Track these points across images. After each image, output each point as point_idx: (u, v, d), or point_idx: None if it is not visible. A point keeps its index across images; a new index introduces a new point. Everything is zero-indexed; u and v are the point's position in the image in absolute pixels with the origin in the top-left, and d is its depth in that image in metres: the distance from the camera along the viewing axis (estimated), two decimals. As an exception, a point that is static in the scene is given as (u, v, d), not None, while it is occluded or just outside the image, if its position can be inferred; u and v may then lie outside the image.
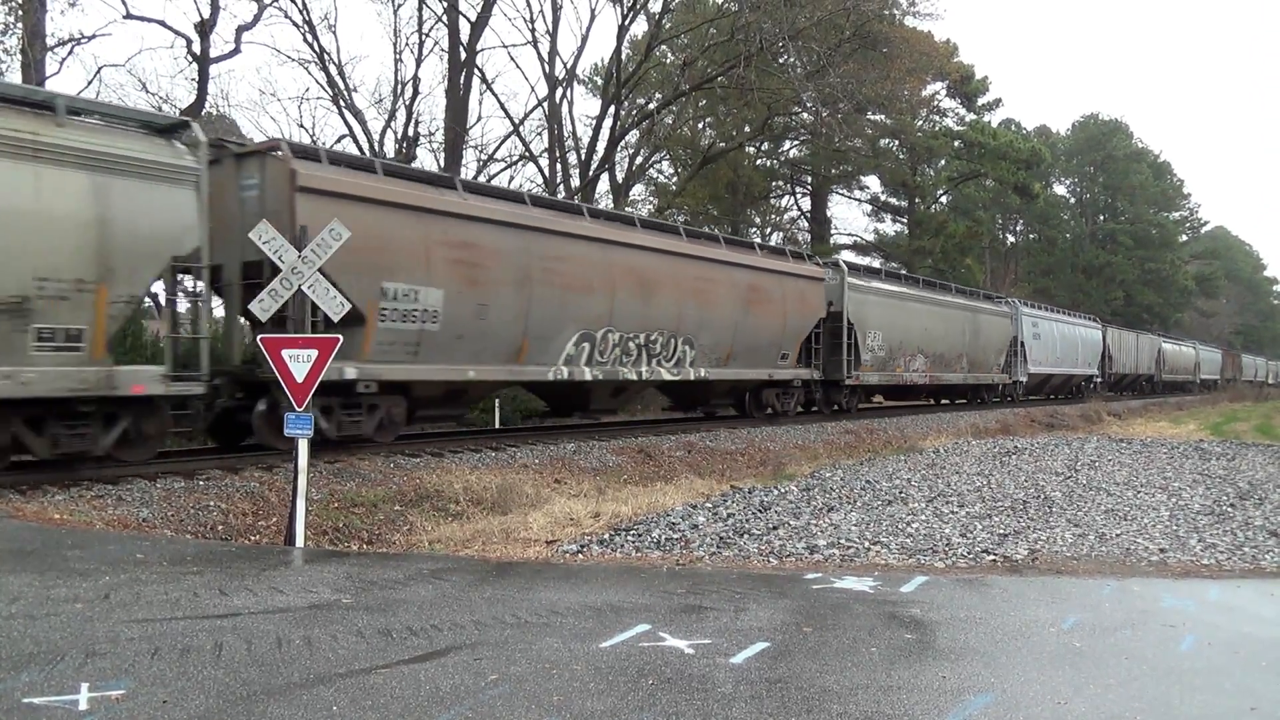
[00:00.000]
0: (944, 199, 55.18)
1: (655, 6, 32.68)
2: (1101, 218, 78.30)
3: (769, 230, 48.58)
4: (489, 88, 32.01)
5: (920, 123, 48.04)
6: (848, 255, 45.69)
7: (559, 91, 31.23)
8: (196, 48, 23.32)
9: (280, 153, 11.94)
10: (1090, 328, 42.01)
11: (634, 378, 17.03)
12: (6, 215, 9.30)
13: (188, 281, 11.35)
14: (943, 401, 32.29)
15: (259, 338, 8.33)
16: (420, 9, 29.20)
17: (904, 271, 32.58)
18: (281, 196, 11.57)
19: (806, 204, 49.85)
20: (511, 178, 31.46)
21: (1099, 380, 42.93)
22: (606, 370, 16.30)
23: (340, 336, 8.35)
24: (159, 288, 11.60)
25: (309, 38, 27.21)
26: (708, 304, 18.50)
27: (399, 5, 31.75)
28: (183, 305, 11.66)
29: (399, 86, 29.49)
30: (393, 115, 29.46)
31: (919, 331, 26.65)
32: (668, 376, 17.88)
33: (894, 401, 30.16)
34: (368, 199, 12.31)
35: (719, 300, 18.82)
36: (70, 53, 22.82)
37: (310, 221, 9.82)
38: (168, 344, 11.30)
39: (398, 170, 14.09)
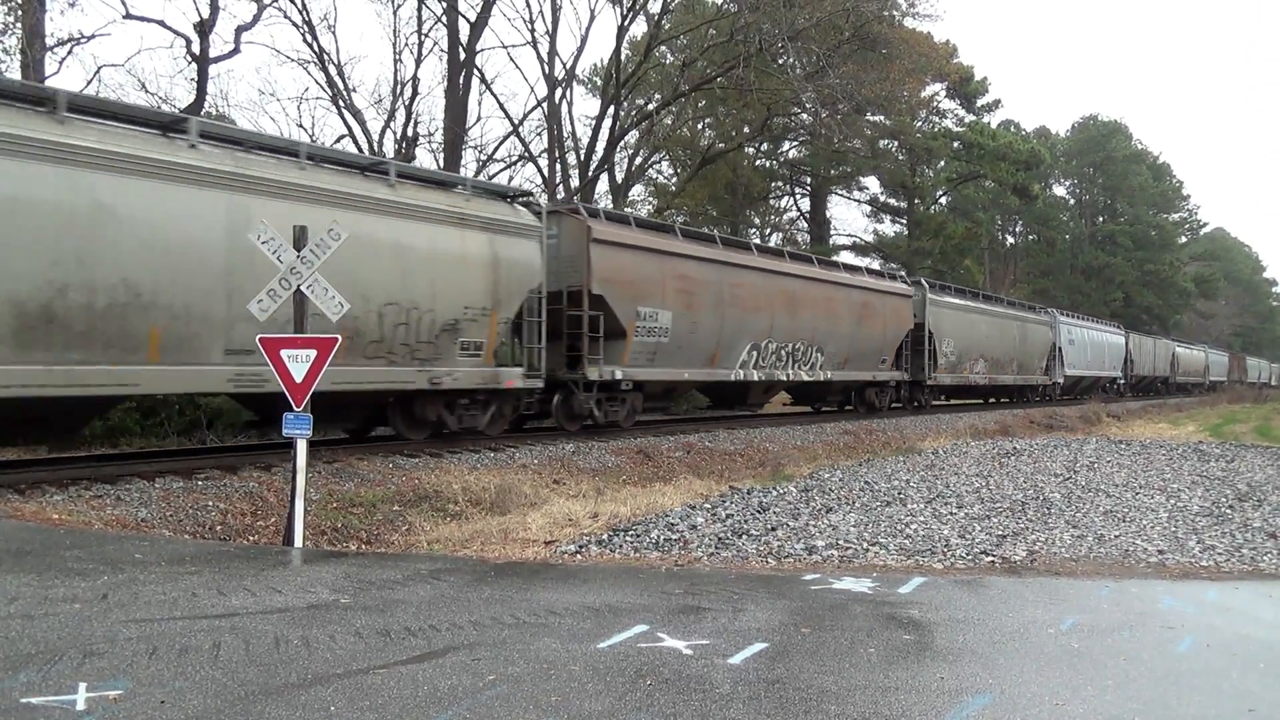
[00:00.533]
0: (943, 200, 55.23)
1: (655, 7, 32.73)
2: (1101, 219, 78.35)
3: (768, 231, 48.62)
4: (488, 88, 32.07)
5: (920, 124, 48.08)
6: (847, 256, 46.36)
7: (558, 92, 31.27)
8: (196, 48, 23.34)
9: (580, 214, 16.51)
10: (1115, 334, 46.39)
11: (783, 379, 21.67)
12: (449, 265, 13.47)
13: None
14: (990, 400, 36.09)
15: (257, 337, 8.34)
16: (420, 9, 29.27)
17: (967, 287, 36.00)
18: (579, 245, 15.96)
19: (806, 204, 49.90)
20: (511, 178, 31.47)
21: (1122, 381, 47.14)
22: (765, 372, 20.72)
23: (339, 337, 8.36)
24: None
25: (308, 38, 27.24)
26: (833, 319, 22.87)
27: (398, 6, 31.84)
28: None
29: (398, 87, 29.54)
30: (392, 115, 29.50)
31: (981, 339, 30.92)
32: (805, 377, 22.18)
33: (958, 399, 33.86)
34: (629, 245, 16.81)
35: (841, 316, 23.20)
36: (70, 52, 22.85)
37: (598, 263, 15.79)
38: (525, 353, 15.36)
39: (643, 222, 19.32)
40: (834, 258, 31.82)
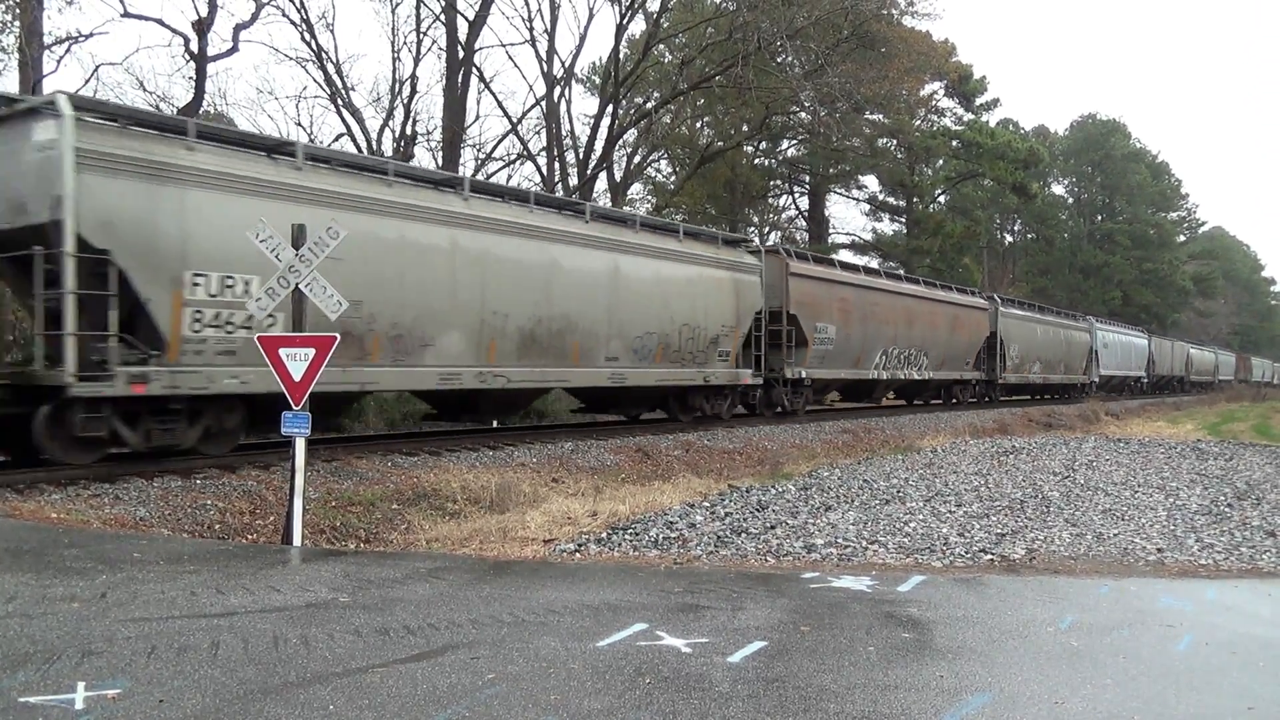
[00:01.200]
0: (942, 198, 55.19)
1: (653, 6, 32.67)
2: (1099, 218, 78.30)
3: (767, 230, 48.60)
4: (487, 86, 32.00)
5: (918, 122, 48.06)
6: (845, 254, 46.75)
7: (557, 90, 31.23)
8: (194, 46, 23.28)
9: (779, 254, 22.06)
10: (1140, 338, 51.83)
11: (901, 377, 26.82)
12: (714, 296, 18.94)
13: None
14: (1039, 396, 40.32)
15: (255, 336, 8.33)
16: (418, 8, 29.20)
17: (1027, 300, 40.33)
18: (780, 277, 21.44)
19: (804, 203, 49.85)
20: (509, 176, 31.45)
21: (1145, 380, 52.64)
22: (890, 373, 26.14)
23: (338, 335, 8.35)
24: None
25: (307, 36, 27.17)
26: (935, 329, 28.22)
27: (397, 4, 31.89)
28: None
29: (397, 85, 29.48)
30: (390, 114, 29.45)
31: (1038, 345, 36.33)
32: (916, 376, 27.66)
33: (1019, 396, 38.18)
34: (810, 276, 22.57)
35: (940, 326, 28.61)
36: (68, 51, 22.80)
37: (793, 290, 21.55)
38: (751, 358, 20.70)
39: (817, 257, 25.17)
40: (930, 279, 35.98)
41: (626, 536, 9.23)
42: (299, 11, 27.53)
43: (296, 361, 7.96)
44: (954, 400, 31.46)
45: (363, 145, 27.33)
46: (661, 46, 34.52)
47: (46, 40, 21.39)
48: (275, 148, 12.07)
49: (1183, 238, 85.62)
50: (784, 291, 21.29)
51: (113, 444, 10.51)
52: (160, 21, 34.75)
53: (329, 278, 8.39)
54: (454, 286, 13.50)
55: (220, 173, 10.85)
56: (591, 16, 38.20)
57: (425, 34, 30.00)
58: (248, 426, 11.82)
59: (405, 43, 41.42)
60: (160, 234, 10.26)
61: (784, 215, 50.64)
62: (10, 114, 10.22)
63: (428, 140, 30.20)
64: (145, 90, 25.67)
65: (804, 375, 22.07)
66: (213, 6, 23.48)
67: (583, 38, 55.20)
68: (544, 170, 31.16)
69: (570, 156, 32.07)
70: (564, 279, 15.36)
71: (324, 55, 27.54)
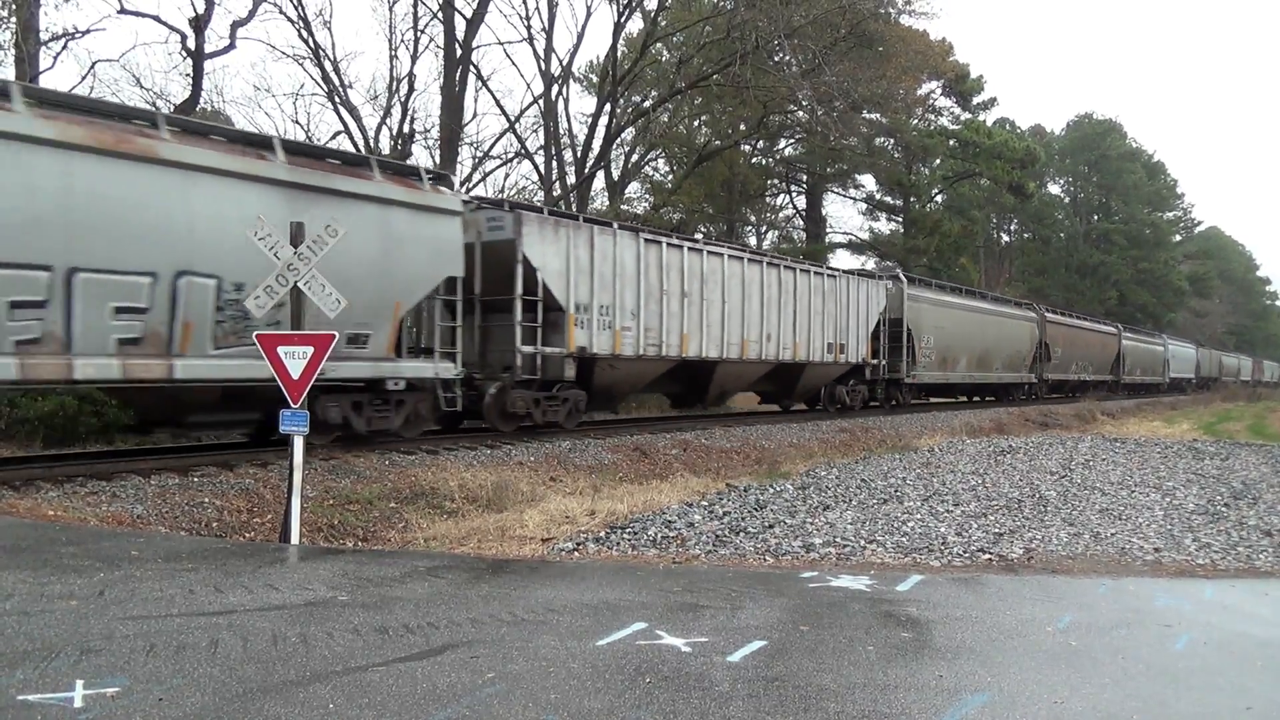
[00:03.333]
0: (939, 198, 55.21)
1: (651, 4, 32.67)
2: (1095, 217, 78.34)
3: (764, 229, 48.58)
4: (484, 85, 32.07)
5: (915, 122, 48.06)
6: (843, 254, 47.05)
7: (555, 89, 31.21)
8: (191, 43, 23.22)
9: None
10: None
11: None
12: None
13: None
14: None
15: (254, 335, 8.32)
16: (416, 5, 29.17)
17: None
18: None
19: (802, 202, 49.86)
20: (507, 175, 31.45)
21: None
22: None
23: (335, 334, 8.33)
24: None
25: (304, 34, 27.15)
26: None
27: (394, 2, 31.68)
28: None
29: (394, 83, 29.46)
30: (388, 112, 29.42)
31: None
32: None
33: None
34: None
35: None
36: (64, 48, 22.69)
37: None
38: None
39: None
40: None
41: (625, 535, 9.23)
42: (296, 9, 27.45)
43: (295, 360, 7.95)
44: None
45: (360, 143, 27.30)
46: (659, 45, 34.50)
47: (43, 36, 21.32)
48: None
49: (1178, 237, 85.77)
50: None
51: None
52: (157, 18, 34.62)
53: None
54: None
55: None
56: (589, 15, 38.52)
57: (423, 32, 30.02)
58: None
59: (403, 40, 41.33)
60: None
61: (781, 214, 50.68)
62: None
63: (425, 139, 30.18)
64: (142, 87, 25.67)
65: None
66: (210, 3, 23.42)
67: (580, 36, 55.26)
68: (541, 169, 31.16)
69: (568, 155, 32.07)
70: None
71: (321, 53, 27.54)
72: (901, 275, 28.04)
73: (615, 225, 17.42)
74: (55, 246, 9.58)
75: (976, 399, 36.00)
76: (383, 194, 12.69)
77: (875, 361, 25.87)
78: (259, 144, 11.90)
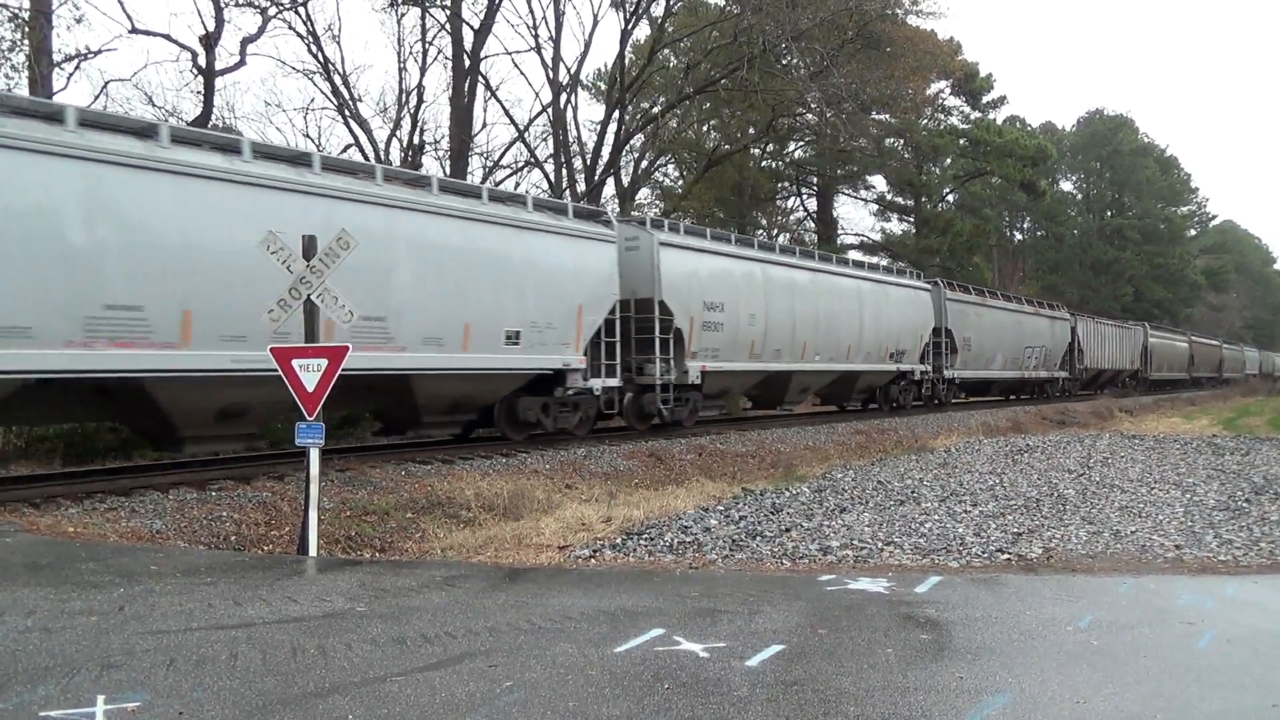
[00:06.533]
0: (950, 197, 55.03)
1: (658, 11, 32.75)
2: (1109, 213, 77.92)
3: (775, 232, 48.52)
4: (493, 94, 32.09)
5: (925, 121, 47.99)
6: (855, 255, 46.84)
7: (563, 97, 31.27)
8: (202, 61, 23.43)
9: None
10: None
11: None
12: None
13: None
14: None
15: (269, 348, 8.35)
16: (424, 18, 29.29)
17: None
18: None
19: (813, 204, 49.86)
20: (517, 184, 31.52)
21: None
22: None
23: (349, 345, 8.36)
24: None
25: (313, 49, 27.34)
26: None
27: (403, 15, 31.82)
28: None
29: (403, 95, 29.62)
30: (398, 124, 29.58)
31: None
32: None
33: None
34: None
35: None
36: (77, 68, 22.92)
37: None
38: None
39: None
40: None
41: (641, 541, 9.21)
42: (305, 24, 27.64)
43: (309, 373, 7.98)
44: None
45: (370, 155, 27.43)
46: (666, 51, 34.59)
47: (56, 57, 21.52)
48: None
49: (1193, 232, 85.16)
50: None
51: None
52: (168, 37, 34.62)
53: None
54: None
55: None
56: (596, 23, 38.55)
57: (431, 44, 30.12)
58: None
59: (411, 53, 41.47)
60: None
61: (792, 217, 50.64)
62: None
63: (435, 149, 30.30)
64: (154, 105, 25.82)
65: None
66: (220, 21, 23.63)
67: (588, 44, 55.51)
68: (551, 177, 31.22)
69: (577, 163, 32.13)
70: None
71: (331, 67, 27.73)
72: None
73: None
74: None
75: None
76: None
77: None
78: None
